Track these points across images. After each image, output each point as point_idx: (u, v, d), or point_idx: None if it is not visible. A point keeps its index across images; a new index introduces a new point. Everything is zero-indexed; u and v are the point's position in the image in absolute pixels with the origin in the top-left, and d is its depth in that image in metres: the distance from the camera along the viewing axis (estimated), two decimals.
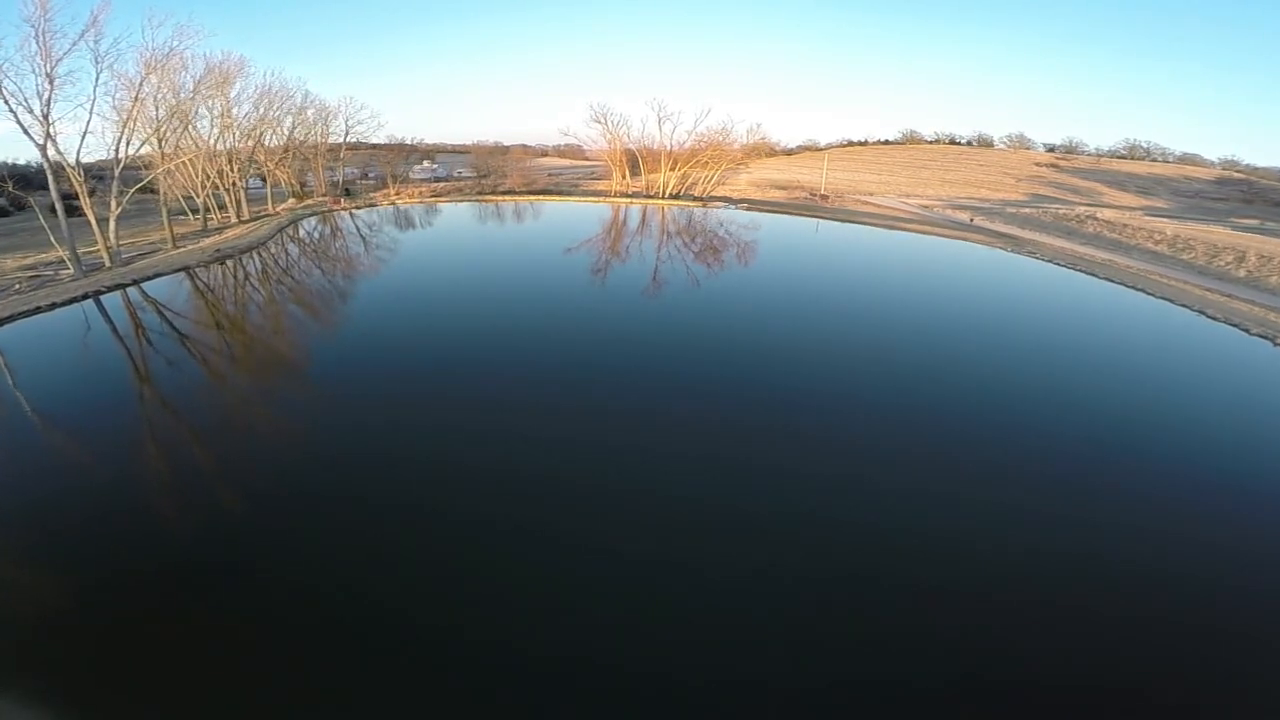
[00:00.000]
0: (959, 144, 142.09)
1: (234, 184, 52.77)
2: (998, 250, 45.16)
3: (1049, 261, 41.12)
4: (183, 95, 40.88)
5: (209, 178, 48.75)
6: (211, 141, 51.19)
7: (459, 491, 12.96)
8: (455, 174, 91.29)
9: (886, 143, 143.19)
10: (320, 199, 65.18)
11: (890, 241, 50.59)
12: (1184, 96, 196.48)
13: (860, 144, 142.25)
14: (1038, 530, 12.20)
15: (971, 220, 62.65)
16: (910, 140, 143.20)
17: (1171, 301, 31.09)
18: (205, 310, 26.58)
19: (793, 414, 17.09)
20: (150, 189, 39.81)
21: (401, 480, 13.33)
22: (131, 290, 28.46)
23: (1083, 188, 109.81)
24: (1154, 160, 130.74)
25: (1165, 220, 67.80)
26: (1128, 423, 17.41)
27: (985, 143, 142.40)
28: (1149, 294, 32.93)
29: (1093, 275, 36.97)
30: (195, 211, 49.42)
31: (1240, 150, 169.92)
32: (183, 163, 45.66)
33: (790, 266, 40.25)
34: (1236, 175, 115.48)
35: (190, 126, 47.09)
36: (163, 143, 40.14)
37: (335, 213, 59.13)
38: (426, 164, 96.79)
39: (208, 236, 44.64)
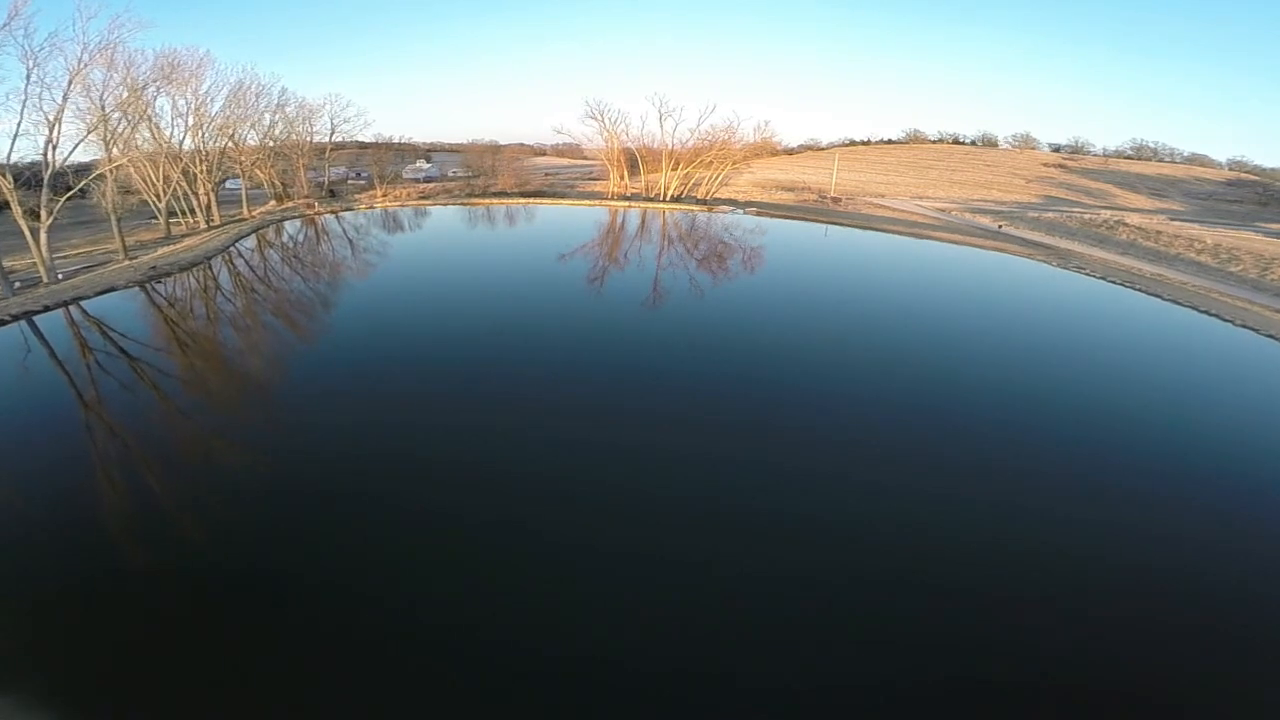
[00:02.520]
0: (963, 144, 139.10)
1: (203, 186, 48.19)
2: (1043, 264, 40.98)
3: (1101, 279, 37.09)
4: (128, 91, 36.65)
5: (171, 180, 44.27)
6: (177, 141, 46.84)
7: (458, 496, 12.77)
8: (449, 174, 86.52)
9: (890, 142, 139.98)
10: (299, 201, 60.55)
11: (921, 252, 46.34)
12: (1187, 96, 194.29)
13: (863, 143, 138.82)
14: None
15: (1000, 228, 58.65)
16: (914, 140, 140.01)
17: (1257, 332, 27.18)
18: (129, 338, 22.16)
19: (816, 431, 16.40)
20: (86, 194, 35.42)
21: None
22: (43, 318, 23.99)
23: (1094, 189, 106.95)
24: (1162, 160, 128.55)
25: (1197, 226, 64.39)
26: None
27: (990, 142, 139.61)
28: (1224, 319, 29.02)
29: (1156, 296, 32.97)
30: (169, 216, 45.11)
31: (1248, 151, 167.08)
32: (138, 163, 41.30)
33: (810, 281, 35.84)
34: (1248, 177, 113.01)
35: (149, 124, 42.83)
36: (108, 143, 35.74)
37: (310, 217, 54.43)
38: (420, 163, 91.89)
39: (166, 244, 40.24)
